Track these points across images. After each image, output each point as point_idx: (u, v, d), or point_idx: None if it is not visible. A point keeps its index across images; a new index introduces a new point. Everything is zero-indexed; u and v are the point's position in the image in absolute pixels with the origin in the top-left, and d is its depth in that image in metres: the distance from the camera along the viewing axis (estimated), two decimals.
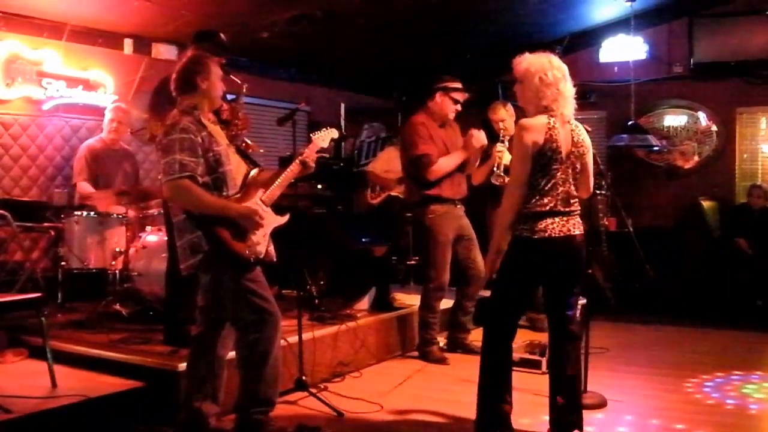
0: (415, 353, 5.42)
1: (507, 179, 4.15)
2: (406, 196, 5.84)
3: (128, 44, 6.39)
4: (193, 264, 3.43)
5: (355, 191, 7.14)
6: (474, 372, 3.61)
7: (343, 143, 8.38)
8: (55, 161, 6.01)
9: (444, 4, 6.75)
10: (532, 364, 4.84)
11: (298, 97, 7.12)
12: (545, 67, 3.39)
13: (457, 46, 7.97)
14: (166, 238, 4.49)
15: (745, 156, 8.35)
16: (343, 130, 7.64)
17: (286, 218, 3.70)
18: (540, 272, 3.46)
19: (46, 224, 5.38)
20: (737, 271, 7.30)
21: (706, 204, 8.04)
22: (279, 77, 7.89)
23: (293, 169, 3.72)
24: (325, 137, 3.95)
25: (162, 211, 4.78)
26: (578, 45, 8.50)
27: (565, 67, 3.45)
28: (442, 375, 4.95)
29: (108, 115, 5.81)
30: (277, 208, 3.67)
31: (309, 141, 3.91)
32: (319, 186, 6.30)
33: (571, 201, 3.42)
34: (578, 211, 3.47)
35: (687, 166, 8.49)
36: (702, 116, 8.41)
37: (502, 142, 5.32)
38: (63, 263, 5.26)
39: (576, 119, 3.49)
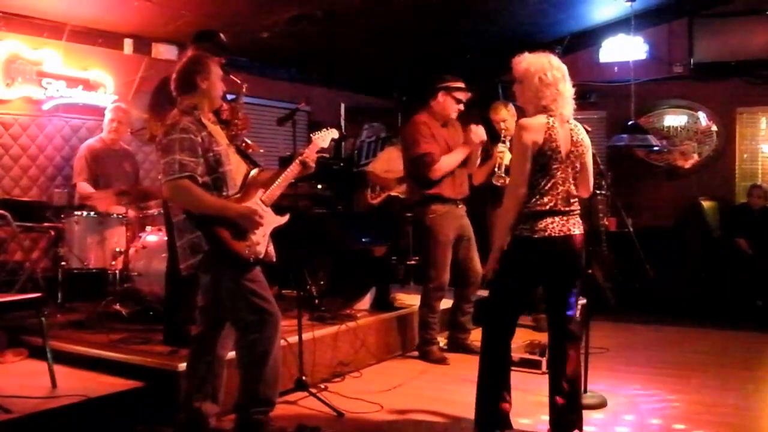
0: (415, 353, 5.42)
1: (508, 180, 4.14)
2: (407, 195, 5.84)
3: (128, 44, 6.38)
4: (193, 264, 3.43)
5: (355, 191, 7.15)
6: (474, 372, 3.61)
7: (343, 143, 8.38)
8: (55, 161, 6.01)
9: (444, 4, 6.75)
10: (532, 364, 4.84)
11: (298, 97, 7.11)
12: (545, 67, 3.39)
13: (457, 46, 7.97)
14: (166, 238, 4.49)
15: (745, 156, 8.35)
16: (343, 130, 7.65)
17: (286, 218, 3.71)
18: (540, 272, 3.47)
19: (46, 224, 5.38)
20: (737, 271, 7.30)
21: (706, 204, 8.04)
22: (279, 77, 7.89)
23: (293, 169, 3.72)
24: (325, 137, 3.95)
25: (162, 211, 4.78)
26: (578, 45, 8.51)
27: (564, 68, 3.45)
28: (442, 375, 4.95)
29: (108, 115, 5.81)
30: (277, 208, 3.67)
31: (309, 141, 3.91)
32: (319, 186, 6.31)
33: (571, 200, 3.43)
34: (578, 211, 3.47)
35: (687, 166, 8.49)
36: (702, 116, 8.41)
37: (504, 142, 5.32)
38: (63, 263, 5.26)
39: (576, 119, 3.50)
